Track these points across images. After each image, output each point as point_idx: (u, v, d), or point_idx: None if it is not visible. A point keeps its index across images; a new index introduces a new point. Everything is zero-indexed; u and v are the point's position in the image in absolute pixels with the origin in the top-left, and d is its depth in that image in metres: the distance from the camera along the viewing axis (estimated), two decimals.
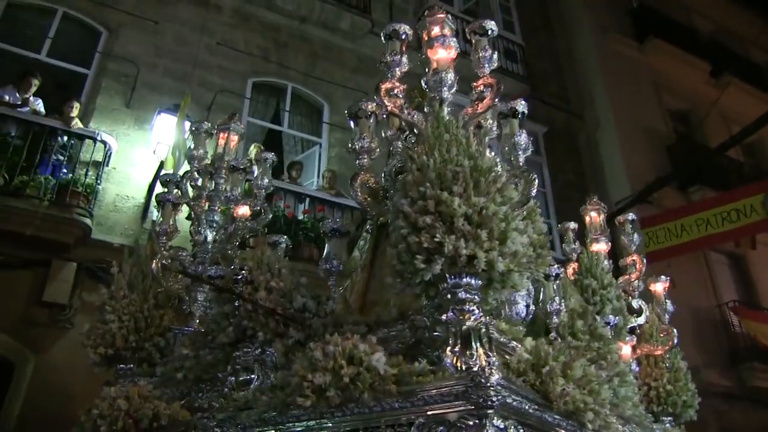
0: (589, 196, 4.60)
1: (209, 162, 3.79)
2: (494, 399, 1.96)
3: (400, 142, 3.11)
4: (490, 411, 1.97)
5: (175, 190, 3.77)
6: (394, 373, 2.12)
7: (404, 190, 2.43)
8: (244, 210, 3.75)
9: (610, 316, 3.75)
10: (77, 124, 7.42)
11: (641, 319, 4.37)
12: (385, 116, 3.05)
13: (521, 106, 2.78)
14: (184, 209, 3.80)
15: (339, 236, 2.84)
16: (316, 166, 9.68)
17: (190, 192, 3.74)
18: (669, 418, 4.23)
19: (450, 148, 2.45)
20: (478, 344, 2.18)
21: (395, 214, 2.40)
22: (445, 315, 2.25)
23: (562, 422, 2.34)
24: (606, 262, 4.22)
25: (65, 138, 7.15)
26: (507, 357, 2.48)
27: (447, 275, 2.28)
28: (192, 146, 3.80)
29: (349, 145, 2.84)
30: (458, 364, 2.12)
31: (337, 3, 10.22)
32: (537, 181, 2.72)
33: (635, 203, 11.32)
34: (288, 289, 2.71)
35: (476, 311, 2.25)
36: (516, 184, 2.66)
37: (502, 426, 2.02)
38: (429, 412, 2.05)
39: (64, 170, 7.03)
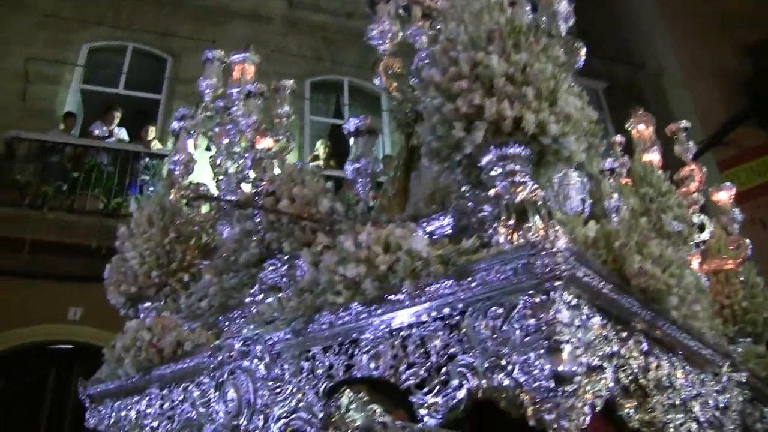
0: (635, 108, 4.23)
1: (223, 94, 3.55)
2: (562, 267, 1.61)
3: (424, 36, 2.79)
4: (558, 282, 1.62)
5: (192, 121, 3.54)
6: (439, 254, 1.81)
7: (433, 61, 2.12)
8: (266, 142, 3.49)
9: (674, 222, 3.38)
10: (156, 145, 8.43)
11: (705, 235, 3.97)
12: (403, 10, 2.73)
13: None
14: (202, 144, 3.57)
15: (365, 134, 2.54)
16: (379, 153, 9.77)
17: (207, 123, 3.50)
18: (748, 339, 3.81)
19: (481, 15, 2.13)
20: (537, 218, 1.85)
21: (425, 89, 2.09)
22: (493, 189, 1.94)
23: (640, 311, 2.01)
24: (660, 172, 3.85)
25: (147, 159, 8.33)
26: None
27: (492, 147, 1.97)
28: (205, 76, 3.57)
29: (367, 32, 2.53)
30: (515, 239, 1.80)
31: None
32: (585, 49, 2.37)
33: (710, 147, 10.40)
34: (313, 195, 2.43)
35: (530, 182, 1.93)
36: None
37: (574, 303, 1.68)
38: (484, 294, 1.72)
39: (151, 188, 7.78)
